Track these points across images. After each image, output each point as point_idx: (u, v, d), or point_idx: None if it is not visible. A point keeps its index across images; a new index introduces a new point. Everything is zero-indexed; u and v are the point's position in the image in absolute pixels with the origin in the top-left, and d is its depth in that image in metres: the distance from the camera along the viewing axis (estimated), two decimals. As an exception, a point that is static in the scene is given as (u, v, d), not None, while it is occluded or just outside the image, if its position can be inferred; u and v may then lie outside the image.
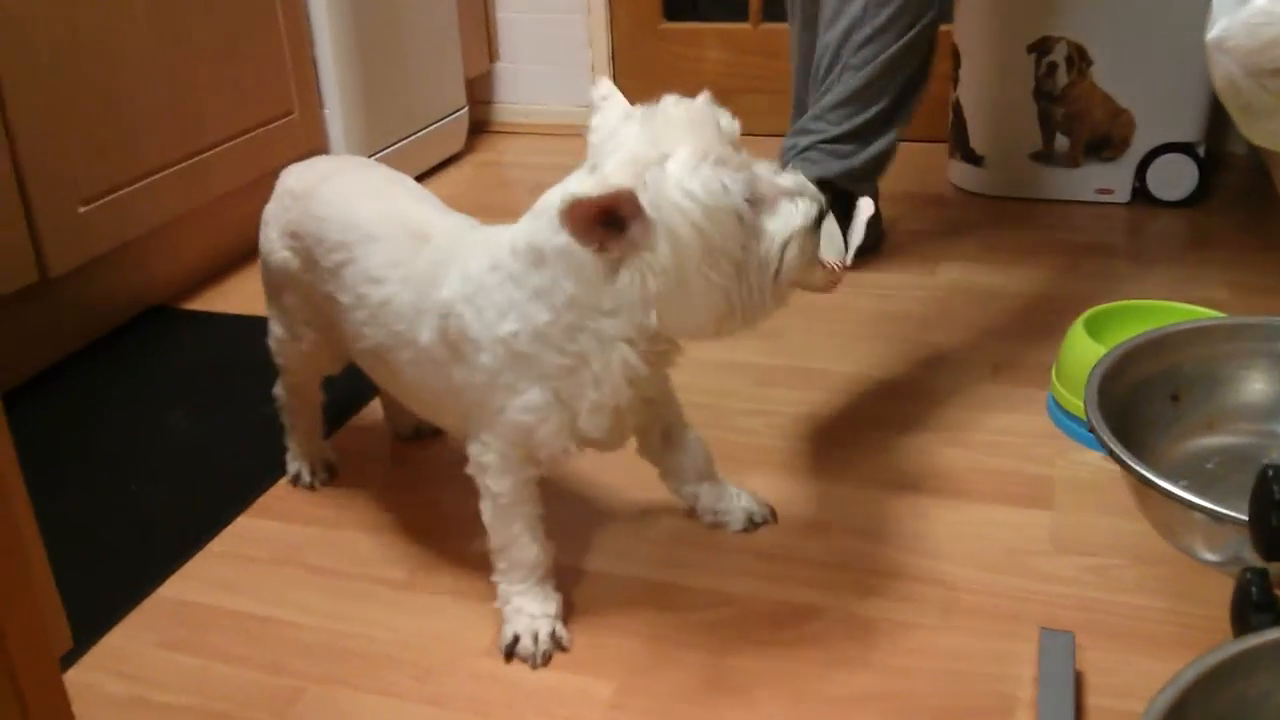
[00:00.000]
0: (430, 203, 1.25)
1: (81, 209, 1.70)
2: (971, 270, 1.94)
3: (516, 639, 1.14)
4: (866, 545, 1.27)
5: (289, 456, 1.45)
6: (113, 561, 1.32)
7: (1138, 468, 1.00)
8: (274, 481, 1.44)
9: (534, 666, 1.12)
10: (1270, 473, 0.83)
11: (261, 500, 1.41)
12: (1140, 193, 2.21)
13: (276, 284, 1.31)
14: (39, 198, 1.63)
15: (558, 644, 1.14)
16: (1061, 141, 2.20)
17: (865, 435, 1.48)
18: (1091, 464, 1.39)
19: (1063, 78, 2.15)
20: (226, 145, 1.97)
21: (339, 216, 1.21)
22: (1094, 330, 1.47)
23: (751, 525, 1.30)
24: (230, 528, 1.37)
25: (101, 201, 1.74)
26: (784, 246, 0.99)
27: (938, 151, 2.44)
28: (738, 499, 1.31)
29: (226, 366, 1.77)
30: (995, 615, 1.16)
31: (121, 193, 1.77)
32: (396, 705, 1.09)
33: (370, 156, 2.30)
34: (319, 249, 1.21)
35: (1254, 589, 0.80)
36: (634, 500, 1.37)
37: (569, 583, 1.23)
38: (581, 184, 0.97)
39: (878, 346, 1.70)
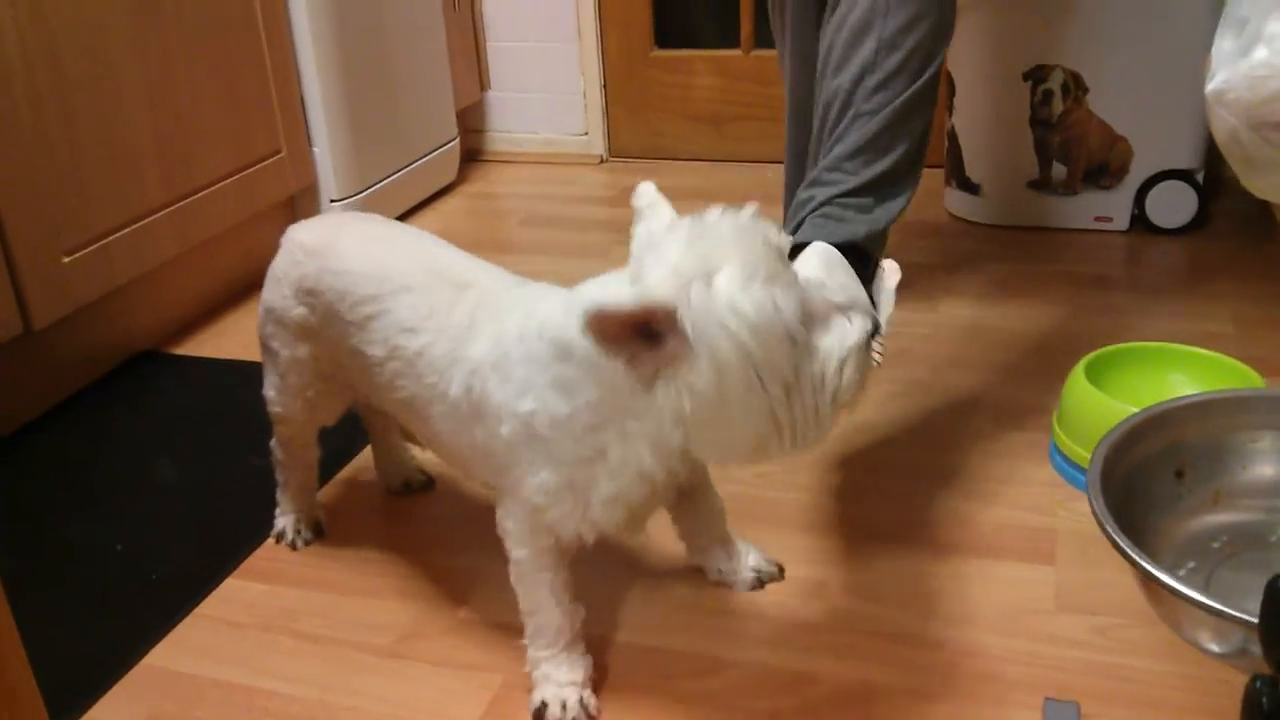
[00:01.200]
0: (463, 254, 1.21)
1: (65, 259, 1.68)
2: (972, 305, 1.92)
3: (545, 705, 1.11)
4: (866, 605, 1.24)
5: (278, 512, 1.42)
6: (97, 623, 1.30)
7: (1145, 565, 0.97)
8: (263, 539, 1.42)
9: None
10: (1279, 584, 0.79)
11: (250, 560, 1.39)
12: (1139, 220, 2.18)
13: (284, 339, 1.27)
14: (20, 249, 1.60)
15: (585, 711, 1.11)
16: (1059, 169, 2.18)
17: (862, 482, 1.45)
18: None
19: (1059, 105, 2.13)
20: (214, 187, 1.95)
21: (365, 269, 1.18)
22: (1095, 375, 1.45)
23: (759, 585, 1.28)
24: (218, 590, 1.34)
25: (86, 250, 1.71)
26: (841, 366, 0.94)
27: (933, 178, 2.41)
28: (745, 558, 1.28)
29: (215, 413, 1.75)
30: (998, 681, 1.13)
31: (107, 240, 1.75)
32: (386, 784, 1.07)
33: (361, 191, 2.28)
34: (342, 303, 1.18)
35: (1264, 699, 0.77)
36: (636, 560, 1.34)
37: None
38: (619, 292, 0.92)
39: (877, 388, 1.67)
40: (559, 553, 1.10)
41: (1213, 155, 2.14)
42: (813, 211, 1.33)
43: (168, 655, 1.24)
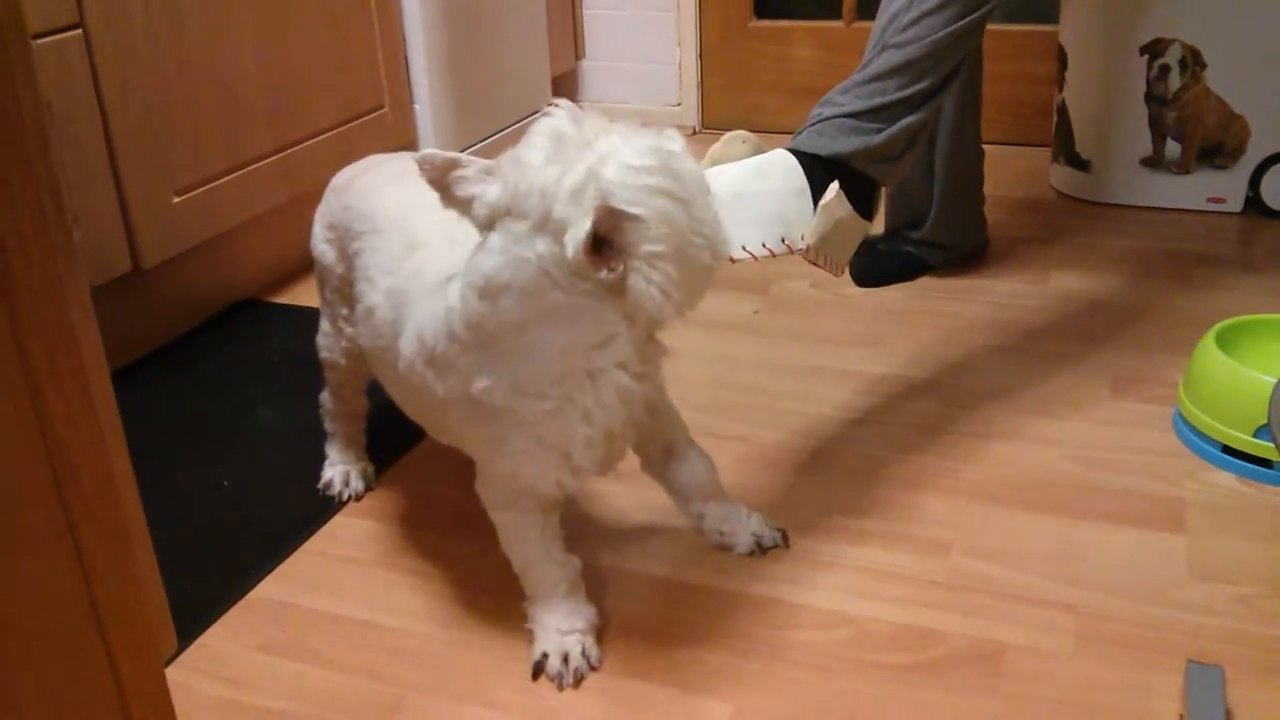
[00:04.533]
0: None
1: (175, 200, 1.68)
2: (1083, 279, 1.87)
3: (545, 657, 1.09)
4: (988, 566, 1.21)
5: (326, 464, 1.41)
6: (209, 558, 1.29)
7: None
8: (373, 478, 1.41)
9: (561, 688, 1.08)
10: None
11: (356, 501, 1.38)
12: (1253, 203, 2.12)
13: (321, 279, 1.30)
14: (133, 187, 1.61)
15: (587, 661, 1.09)
16: (1172, 148, 2.12)
17: (978, 448, 1.41)
18: (1225, 486, 1.32)
19: (1175, 81, 2.07)
20: (319, 139, 1.94)
21: (360, 206, 1.20)
22: (1225, 345, 1.40)
23: (759, 550, 1.24)
24: (326, 527, 1.33)
25: (195, 192, 1.72)
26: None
27: (1039, 156, 2.37)
28: (746, 521, 1.24)
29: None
30: (1133, 645, 1.09)
31: (215, 184, 1.75)
32: (501, 719, 1.05)
33: (459, 152, 2.26)
34: (347, 238, 1.21)
35: None
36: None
37: (670, 594, 1.18)
38: (576, 228, 0.88)
39: (988, 356, 1.63)
40: (541, 510, 1.08)
41: (1336, 137, 2.08)
42: (811, 125, 1.28)
43: (278, 588, 1.24)
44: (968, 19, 1.30)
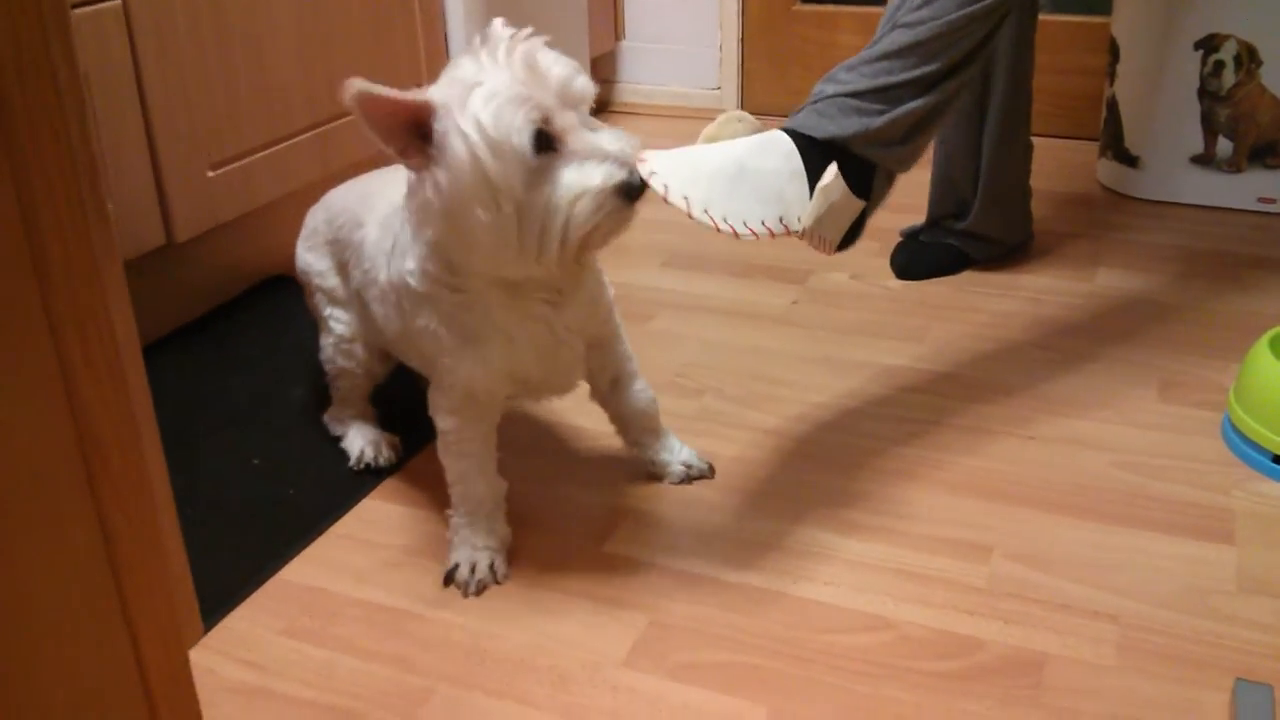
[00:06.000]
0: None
1: (210, 174, 1.66)
2: (1130, 278, 1.83)
3: (456, 567, 1.18)
4: (1031, 572, 1.18)
5: (346, 441, 1.41)
6: (236, 537, 1.28)
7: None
8: (402, 464, 1.39)
9: (465, 594, 1.17)
10: None
11: (386, 483, 1.36)
12: (1306, 204, 2.07)
13: (312, 290, 1.41)
14: (169, 159, 1.59)
15: (494, 576, 1.18)
16: (1224, 145, 2.07)
17: (1019, 449, 1.38)
18: (1276, 497, 1.28)
19: (1230, 78, 2.02)
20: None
21: (346, 204, 1.35)
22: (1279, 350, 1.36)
23: (687, 480, 1.33)
24: (356, 510, 1.32)
25: (231, 167, 1.70)
26: (574, 200, 0.99)
27: (1085, 150, 2.32)
28: (678, 452, 1.34)
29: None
30: (1179, 659, 1.06)
31: (251, 159, 1.73)
32: (531, 715, 1.03)
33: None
34: (343, 235, 1.32)
35: None
36: (768, 509, 1.29)
37: (708, 594, 1.16)
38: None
39: (1031, 354, 1.60)
40: (483, 422, 1.18)
41: (1394, 138, 2.02)
42: (812, 104, 1.24)
43: (306, 571, 1.22)
44: (980, 4, 1.26)
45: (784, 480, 1.34)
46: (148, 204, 1.58)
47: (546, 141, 0.99)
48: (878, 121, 1.21)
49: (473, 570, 1.17)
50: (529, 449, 1.43)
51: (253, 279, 1.88)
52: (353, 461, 1.38)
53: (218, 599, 1.17)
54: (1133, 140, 2.14)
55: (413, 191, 1.06)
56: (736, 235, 1.09)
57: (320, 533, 1.28)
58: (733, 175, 1.10)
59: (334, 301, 1.37)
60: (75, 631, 0.68)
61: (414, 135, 0.99)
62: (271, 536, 1.27)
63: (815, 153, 1.17)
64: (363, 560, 1.23)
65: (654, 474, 1.34)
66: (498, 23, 1.04)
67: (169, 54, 1.56)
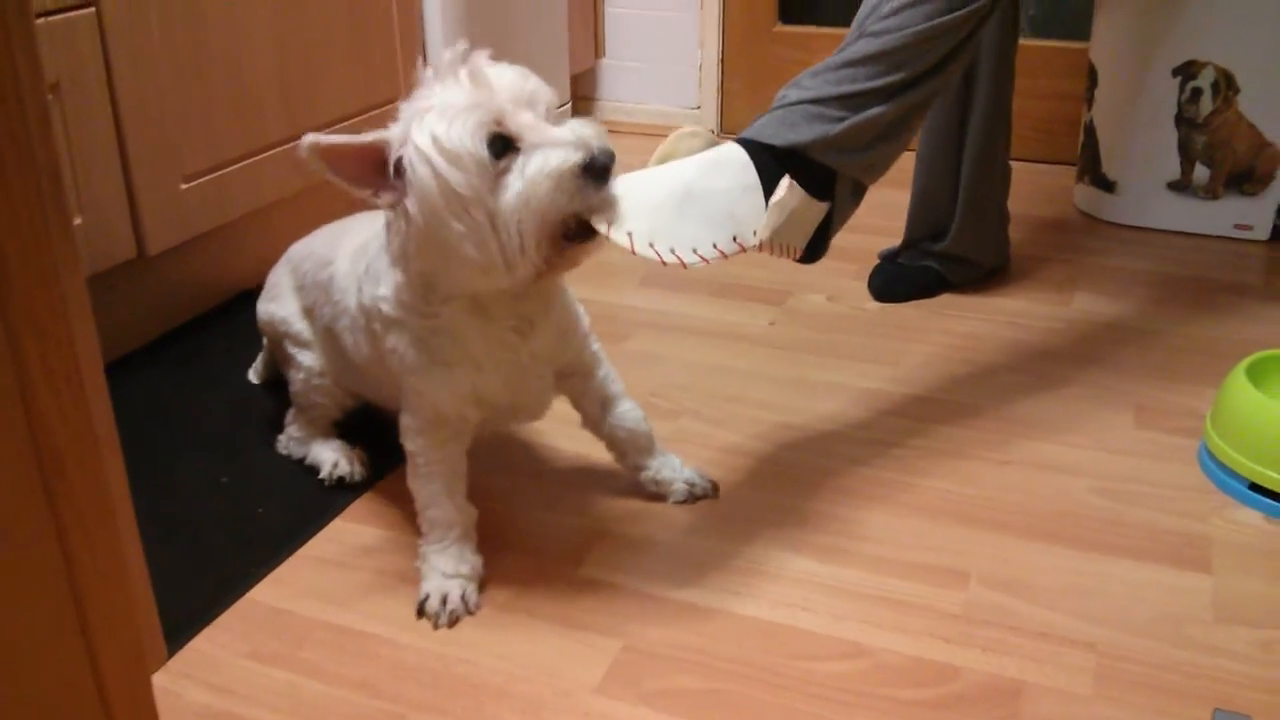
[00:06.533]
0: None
1: (183, 186, 1.64)
2: (1106, 303, 1.83)
3: (427, 598, 1.15)
4: (1006, 599, 1.17)
5: (312, 456, 1.40)
6: (203, 557, 1.25)
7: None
8: (372, 484, 1.37)
9: (436, 626, 1.14)
10: None
11: (357, 503, 1.34)
12: (1281, 231, 2.08)
13: (280, 338, 1.41)
14: (141, 172, 1.57)
15: (466, 606, 1.15)
16: (1201, 172, 2.08)
17: (995, 474, 1.38)
18: (1253, 525, 1.28)
19: (1207, 105, 2.03)
20: (332, 129, 1.90)
21: (309, 248, 1.37)
22: (1256, 378, 1.36)
23: (691, 498, 1.32)
24: (325, 531, 1.29)
25: (204, 179, 1.68)
26: (536, 186, 0.97)
27: (1063, 174, 2.33)
28: (680, 471, 1.33)
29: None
30: (1157, 689, 1.05)
31: (225, 171, 1.71)
32: (501, 742, 1.01)
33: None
34: (309, 279, 1.33)
35: None
36: (745, 533, 1.28)
37: (683, 618, 1.14)
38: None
39: (1008, 379, 1.60)
40: (453, 446, 1.17)
41: (1368, 167, 2.04)
42: (774, 110, 1.23)
43: (273, 593, 1.20)
44: (948, 16, 1.25)
45: (760, 504, 1.33)
46: (119, 216, 1.56)
47: (504, 144, 0.98)
48: (837, 128, 1.20)
49: (444, 601, 1.15)
50: (503, 470, 1.41)
51: (226, 293, 1.86)
52: (324, 474, 1.37)
53: (184, 620, 1.15)
54: (1110, 165, 2.15)
55: (391, 229, 1.06)
56: (685, 265, 1.08)
57: (289, 553, 1.26)
58: (679, 202, 1.09)
59: (300, 345, 1.37)
60: (33, 652, 0.66)
61: (380, 174, 1.00)
62: (239, 556, 1.25)
63: (772, 162, 1.16)
64: (331, 582, 1.21)
65: (657, 494, 1.32)
66: (445, 53, 1.03)
67: (142, 63, 1.54)
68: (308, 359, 1.36)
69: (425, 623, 1.15)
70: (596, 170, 0.99)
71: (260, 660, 1.10)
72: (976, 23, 1.28)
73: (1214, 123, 2.04)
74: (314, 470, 1.38)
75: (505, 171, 0.98)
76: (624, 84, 2.79)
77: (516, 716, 1.03)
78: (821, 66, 1.26)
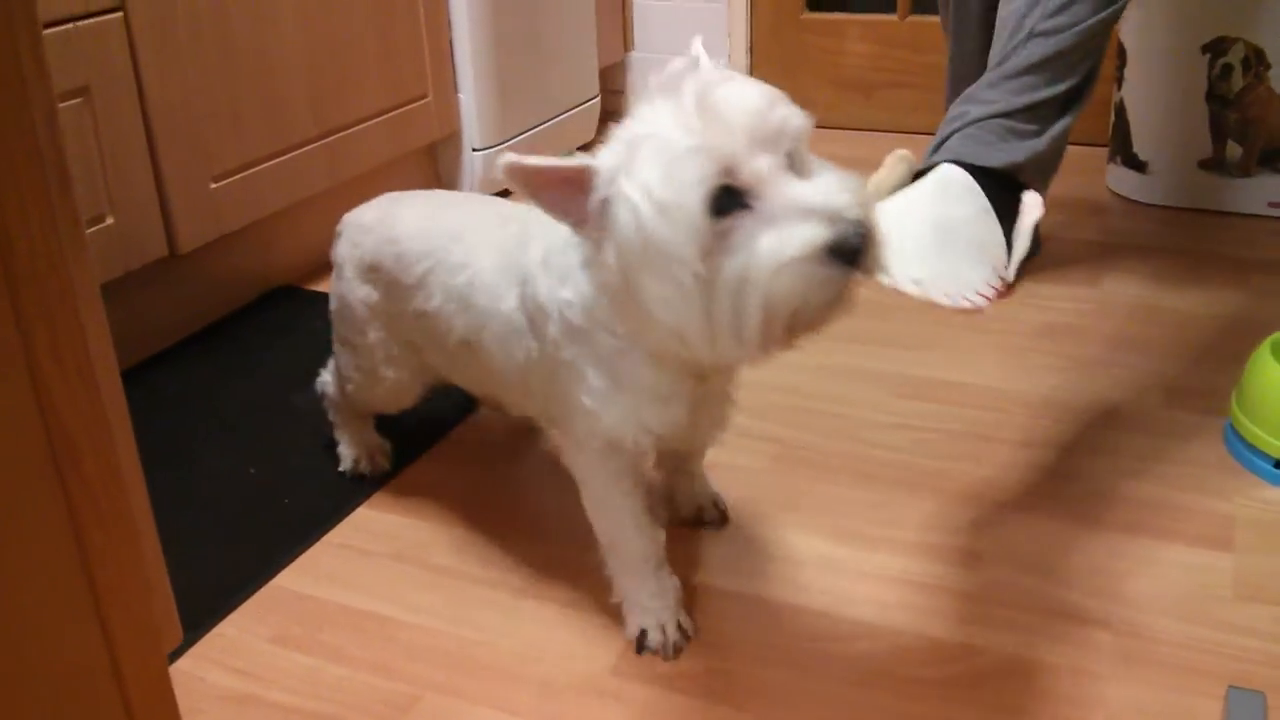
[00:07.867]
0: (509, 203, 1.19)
1: (214, 185, 1.67)
2: (1137, 284, 1.81)
3: (645, 633, 1.09)
4: (1027, 579, 1.17)
5: (341, 448, 1.40)
6: (228, 545, 1.28)
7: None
8: (396, 473, 1.39)
9: (665, 658, 1.08)
10: None
11: (381, 492, 1.36)
12: (1317, 208, 2.05)
13: (356, 324, 1.28)
14: (171, 172, 1.60)
15: (684, 634, 1.09)
16: (1234, 149, 2.05)
17: (1020, 457, 1.37)
18: (1276, 503, 1.27)
19: (1238, 81, 2.01)
20: (360, 127, 1.93)
21: (419, 231, 1.18)
22: (1282, 356, 1.34)
23: (701, 523, 1.27)
24: (350, 518, 1.31)
25: (235, 178, 1.71)
26: (773, 274, 0.80)
27: (1095, 155, 2.30)
28: (705, 485, 1.27)
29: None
30: (1177, 667, 1.04)
31: (256, 169, 1.74)
32: (517, 723, 1.02)
33: (502, 142, 2.25)
34: (400, 267, 1.18)
35: None
36: (767, 516, 1.28)
37: (701, 601, 1.15)
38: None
39: (1037, 361, 1.59)
40: (629, 474, 1.06)
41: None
42: (962, 128, 1.15)
43: (296, 579, 1.22)
44: (1114, 7, 1.22)
45: (777, 487, 1.33)
46: (150, 216, 1.59)
47: (734, 199, 0.81)
48: (1041, 144, 1.15)
49: (664, 632, 1.08)
50: (518, 456, 1.43)
51: (257, 290, 1.89)
52: (344, 467, 1.39)
53: (210, 606, 1.18)
54: (1141, 145, 2.13)
55: (590, 263, 0.93)
56: (977, 309, 0.99)
57: (314, 541, 1.28)
58: (938, 239, 1.00)
59: (386, 328, 1.26)
60: (48, 632, 0.68)
61: (583, 203, 0.86)
62: (265, 544, 1.27)
63: (991, 184, 1.09)
64: (353, 568, 1.23)
65: (673, 501, 1.27)
66: (673, 62, 0.89)
67: (171, 65, 1.57)
68: (381, 346, 1.27)
69: (443, 607, 1.16)
70: (848, 252, 0.80)
71: (282, 644, 1.12)
72: (1118, 15, 1.26)
73: (1245, 99, 2.01)
74: (337, 459, 1.41)
75: (729, 233, 0.81)
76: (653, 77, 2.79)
77: (532, 697, 1.05)
78: (996, 76, 1.19)
